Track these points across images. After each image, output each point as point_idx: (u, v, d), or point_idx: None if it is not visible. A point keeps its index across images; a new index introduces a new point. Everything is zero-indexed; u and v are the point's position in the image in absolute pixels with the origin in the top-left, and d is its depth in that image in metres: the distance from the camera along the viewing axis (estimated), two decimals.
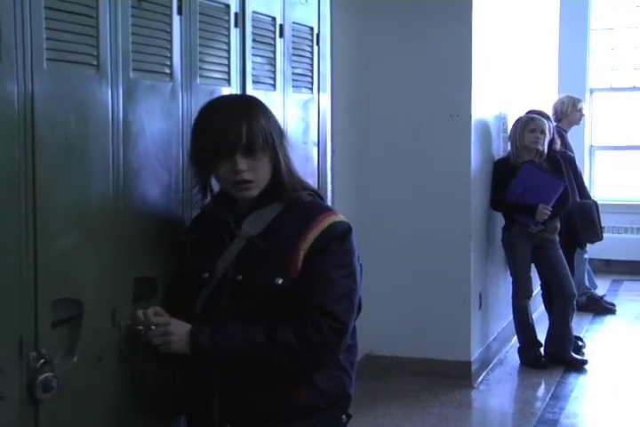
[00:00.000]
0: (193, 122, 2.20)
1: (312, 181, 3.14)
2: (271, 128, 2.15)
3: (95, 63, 2.00)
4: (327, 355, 2.14)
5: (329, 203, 3.29)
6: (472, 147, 5.31)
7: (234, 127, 2.09)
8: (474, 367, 5.37)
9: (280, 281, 2.11)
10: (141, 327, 2.09)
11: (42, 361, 1.83)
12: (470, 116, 5.27)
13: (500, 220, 5.83)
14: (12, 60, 1.75)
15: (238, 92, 2.64)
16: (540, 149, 5.61)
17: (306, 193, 2.22)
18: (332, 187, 3.39)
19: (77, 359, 1.96)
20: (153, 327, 2.08)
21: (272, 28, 2.83)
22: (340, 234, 2.15)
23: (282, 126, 2.23)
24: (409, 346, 5.45)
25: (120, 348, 2.09)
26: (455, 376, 5.30)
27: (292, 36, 2.97)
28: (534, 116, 5.76)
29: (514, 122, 5.79)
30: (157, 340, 2.08)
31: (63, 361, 1.92)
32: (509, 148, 5.78)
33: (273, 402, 2.14)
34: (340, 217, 2.20)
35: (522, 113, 6.06)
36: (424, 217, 5.37)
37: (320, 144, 3.22)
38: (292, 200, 2.18)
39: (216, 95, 2.50)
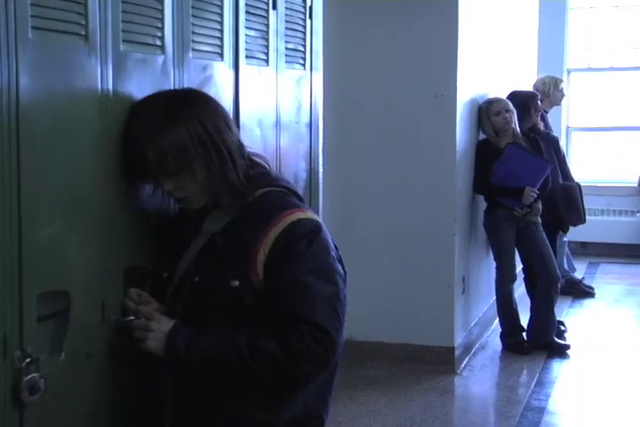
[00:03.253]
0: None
1: (305, 163, 2.99)
2: (187, 138, 1.90)
3: (83, 33, 1.82)
4: (314, 366, 1.94)
5: (319, 186, 3.14)
6: (457, 128, 5.17)
7: (136, 152, 1.91)
8: (457, 353, 5.26)
9: (236, 284, 1.92)
10: (127, 318, 1.94)
11: (27, 360, 1.66)
12: (456, 95, 5.13)
13: (483, 203, 5.71)
14: None
15: (231, 68, 2.47)
16: (514, 127, 5.53)
17: (277, 189, 2.03)
18: (328, 172, 3.23)
19: (65, 357, 1.80)
20: (132, 317, 1.93)
21: (265, 0, 2.66)
22: (306, 233, 1.94)
23: (216, 125, 1.95)
24: (391, 331, 5.33)
25: (110, 343, 1.94)
26: (438, 362, 5.19)
27: (286, 8, 2.80)
28: (491, 98, 5.68)
29: (477, 109, 5.65)
30: (137, 333, 1.93)
31: (50, 359, 1.76)
32: (486, 132, 5.64)
33: (230, 422, 1.97)
34: (308, 214, 2.00)
35: (504, 93, 5.94)
36: (408, 200, 5.23)
37: (312, 124, 3.06)
38: (255, 198, 2.00)
39: (208, 70, 2.35)
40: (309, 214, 2.01)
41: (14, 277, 1.64)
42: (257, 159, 2.08)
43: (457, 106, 5.14)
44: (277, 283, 1.92)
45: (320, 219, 2.06)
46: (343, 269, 2.04)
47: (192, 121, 1.93)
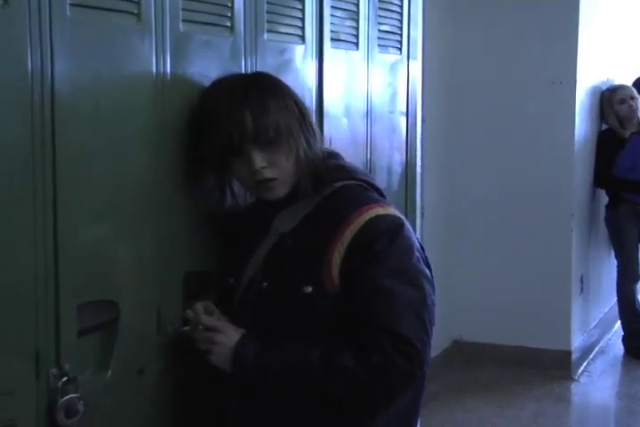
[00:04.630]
0: (193, 111, 1.79)
1: (400, 155, 2.75)
2: (285, 112, 1.74)
3: (136, 11, 1.62)
4: (396, 383, 1.70)
5: (416, 179, 2.90)
6: (577, 117, 4.85)
7: (236, 118, 1.70)
8: (574, 357, 4.93)
9: (309, 289, 1.70)
10: (187, 328, 1.75)
11: (64, 379, 1.48)
12: (575, 82, 4.81)
13: (605, 196, 5.34)
14: (22, 3, 1.38)
15: (314, 52, 2.25)
16: (639, 116, 5.19)
17: (354, 183, 1.81)
18: (422, 162, 2.98)
19: (112, 374, 1.61)
20: (201, 327, 1.74)
21: None
22: (387, 230, 1.72)
23: (304, 105, 1.81)
24: (502, 332, 5.04)
25: (166, 356, 1.75)
26: (553, 367, 4.87)
27: None
28: (615, 85, 5.34)
29: (599, 97, 5.28)
30: (201, 345, 1.74)
31: (93, 377, 1.57)
32: (609, 122, 5.27)
33: None
34: (388, 210, 1.77)
35: (631, 79, 5.56)
36: (521, 193, 4.93)
37: (409, 114, 2.81)
38: (330, 193, 1.79)
39: (287, 54, 2.14)
40: (390, 210, 1.78)
41: (49, 286, 1.46)
42: (330, 150, 1.87)
43: (576, 93, 4.81)
44: (354, 288, 1.70)
45: (402, 215, 1.82)
46: (430, 272, 1.81)
47: (286, 95, 1.79)
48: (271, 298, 1.76)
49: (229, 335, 1.73)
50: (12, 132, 1.39)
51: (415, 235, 1.82)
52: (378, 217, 1.74)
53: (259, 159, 1.72)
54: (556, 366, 4.87)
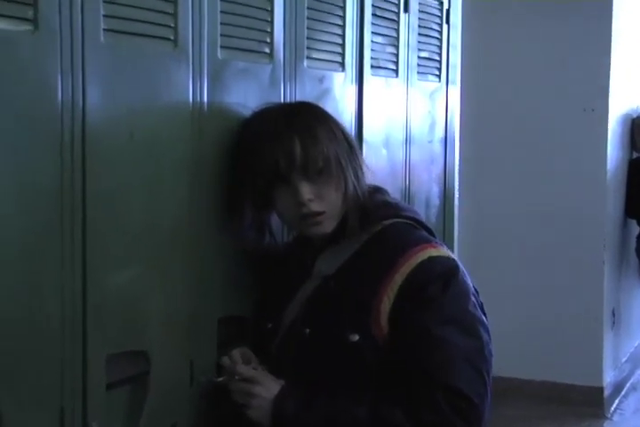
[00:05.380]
0: (233, 142, 1.68)
1: (438, 187, 2.63)
2: (334, 142, 1.63)
3: (172, 37, 1.52)
4: None
5: (454, 213, 2.78)
6: (609, 145, 4.70)
7: (285, 146, 1.59)
8: (606, 394, 4.75)
9: (355, 338, 1.58)
10: (221, 379, 1.61)
11: None
12: (607, 110, 4.67)
13: (636, 227, 5.20)
14: (52, 29, 1.27)
15: (354, 80, 2.14)
16: None
17: (402, 221, 1.69)
18: (459, 194, 2.86)
19: None
20: (226, 377, 1.62)
21: (395, 1, 2.32)
22: (441, 273, 1.61)
23: (351, 136, 1.71)
24: (531, 367, 4.86)
25: (200, 409, 1.61)
26: (584, 404, 4.67)
27: (419, 11, 2.45)
28: None
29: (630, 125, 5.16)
30: (237, 397, 1.60)
31: None
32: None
33: None
34: (441, 251, 1.65)
35: None
36: (552, 224, 4.78)
37: (447, 143, 2.69)
38: (378, 231, 1.66)
39: (326, 82, 2.02)
40: (443, 251, 1.66)
41: (76, 336, 1.34)
42: (375, 185, 1.75)
43: (609, 121, 4.68)
44: (405, 337, 1.57)
45: (456, 257, 1.69)
46: (486, 318, 1.67)
47: (333, 124, 1.67)
48: (313, 346, 1.63)
49: (268, 387, 1.59)
50: (40, 167, 1.27)
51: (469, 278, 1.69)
52: (430, 259, 1.61)
53: (306, 190, 1.60)
54: (587, 403, 4.68)
